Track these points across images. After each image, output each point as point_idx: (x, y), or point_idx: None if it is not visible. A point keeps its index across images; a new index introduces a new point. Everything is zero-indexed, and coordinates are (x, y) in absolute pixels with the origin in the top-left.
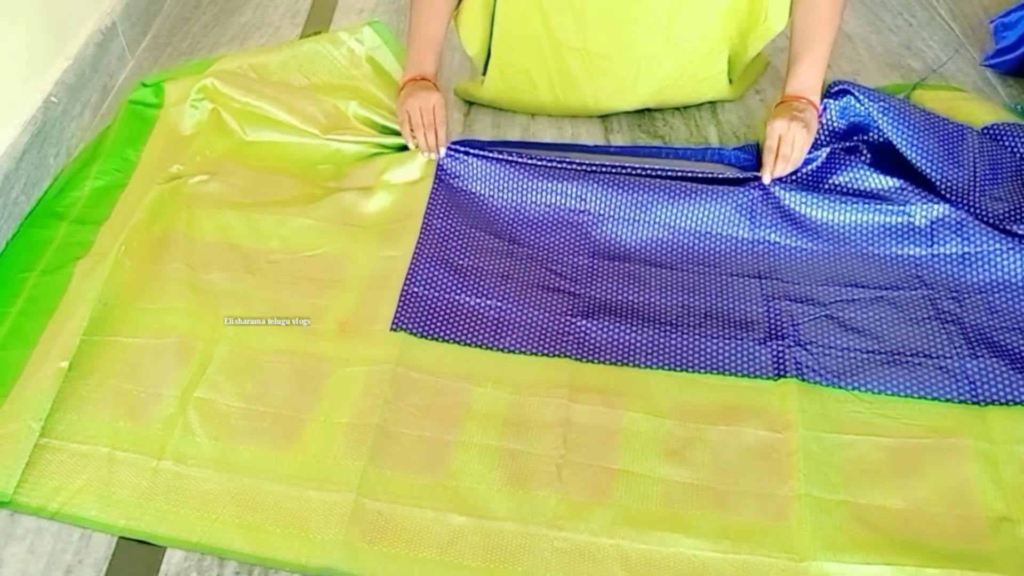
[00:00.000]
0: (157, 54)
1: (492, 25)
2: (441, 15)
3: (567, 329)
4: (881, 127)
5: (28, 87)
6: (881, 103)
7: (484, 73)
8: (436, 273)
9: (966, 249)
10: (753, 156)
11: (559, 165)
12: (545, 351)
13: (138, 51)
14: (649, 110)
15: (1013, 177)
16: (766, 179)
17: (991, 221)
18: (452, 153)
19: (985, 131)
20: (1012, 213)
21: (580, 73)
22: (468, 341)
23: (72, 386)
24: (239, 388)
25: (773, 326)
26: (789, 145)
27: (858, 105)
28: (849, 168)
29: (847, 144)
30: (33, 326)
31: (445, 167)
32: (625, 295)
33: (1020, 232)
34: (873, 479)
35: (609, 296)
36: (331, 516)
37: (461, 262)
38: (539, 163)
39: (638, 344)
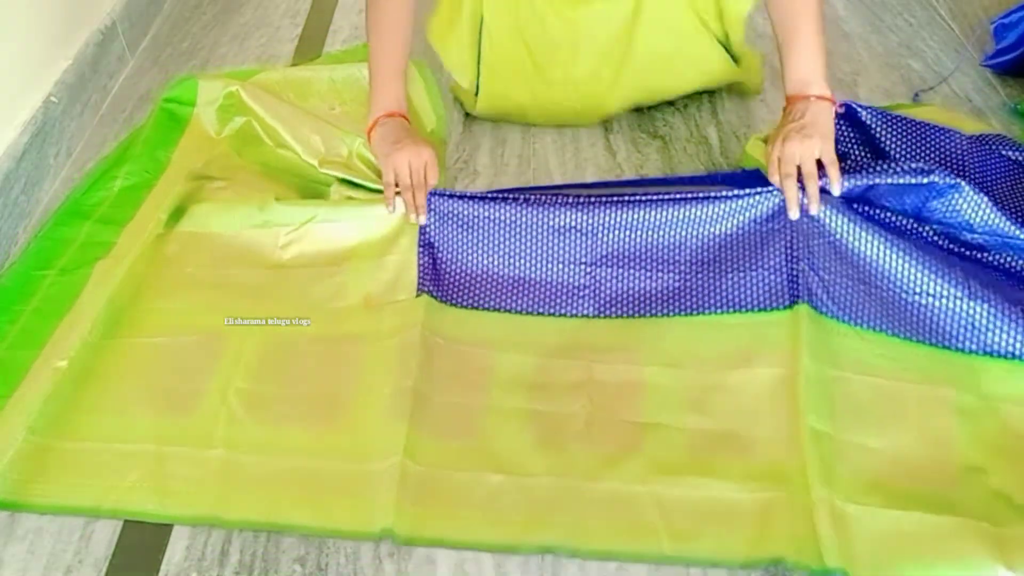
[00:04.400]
0: (157, 54)
1: (479, 54)
2: (403, 38)
3: (583, 282)
4: (874, 133)
5: (28, 87)
6: (868, 112)
7: (476, 93)
8: (446, 231)
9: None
10: (761, 175)
11: (558, 199)
12: (562, 311)
13: (138, 51)
14: (649, 108)
15: (1002, 181)
16: (793, 214)
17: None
18: (435, 204)
19: (972, 137)
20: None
21: (564, 98)
22: (486, 306)
23: (106, 389)
24: (277, 375)
25: (789, 249)
26: (791, 164)
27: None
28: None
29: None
30: (44, 326)
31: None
32: (640, 235)
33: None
34: (858, 417)
35: (624, 236)
36: (383, 482)
37: (471, 214)
38: (535, 200)
39: (654, 292)
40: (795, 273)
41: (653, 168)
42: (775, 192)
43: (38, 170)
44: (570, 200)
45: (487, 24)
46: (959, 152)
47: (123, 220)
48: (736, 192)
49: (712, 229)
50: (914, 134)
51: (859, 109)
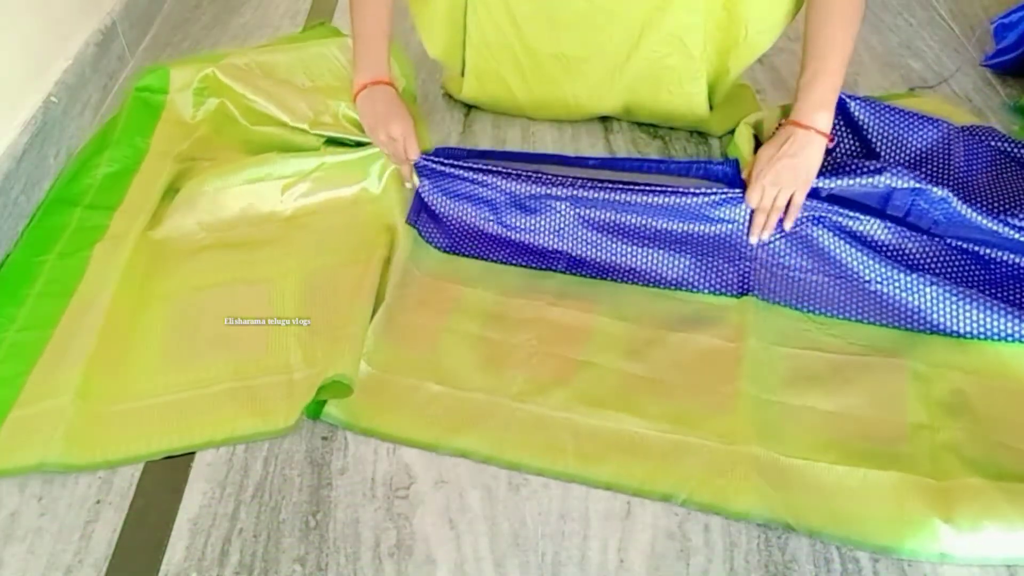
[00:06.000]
0: (157, 54)
1: (464, 33)
2: (385, 3)
3: (556, 247)
4: (860, 124)
5: (28, 87)
6: (856, 103)
7: (462, 74)
8: (436, 189)
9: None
10: (738, 172)
11: (538, 183)
12: (533, 264)
13: (138, 51)
14: None
15: (986, 170)
16: (752, 240)
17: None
18: (428, 169)
19: (961, 128)
20: (988, 205)
21: (558, 74)
22: (464, 252)
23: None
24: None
25: (741, 246)
26: (770, 199)
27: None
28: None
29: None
30: (53, 307)
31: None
32: (613, 215)
33: (1008, 228)
34: (810, 385)
35: (598, 214)
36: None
37: (459, 179)
38: (518, 178)
39: (619, 264)
40: (746, 270)
41: None
42: (741, 200)
43: (38, 170)
44: (552, 178)
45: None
46: (945, 140)
47: (112, 205)
48: (706, 191)
49: (680, 223)
50: (900, 124)
51: (847, 100)
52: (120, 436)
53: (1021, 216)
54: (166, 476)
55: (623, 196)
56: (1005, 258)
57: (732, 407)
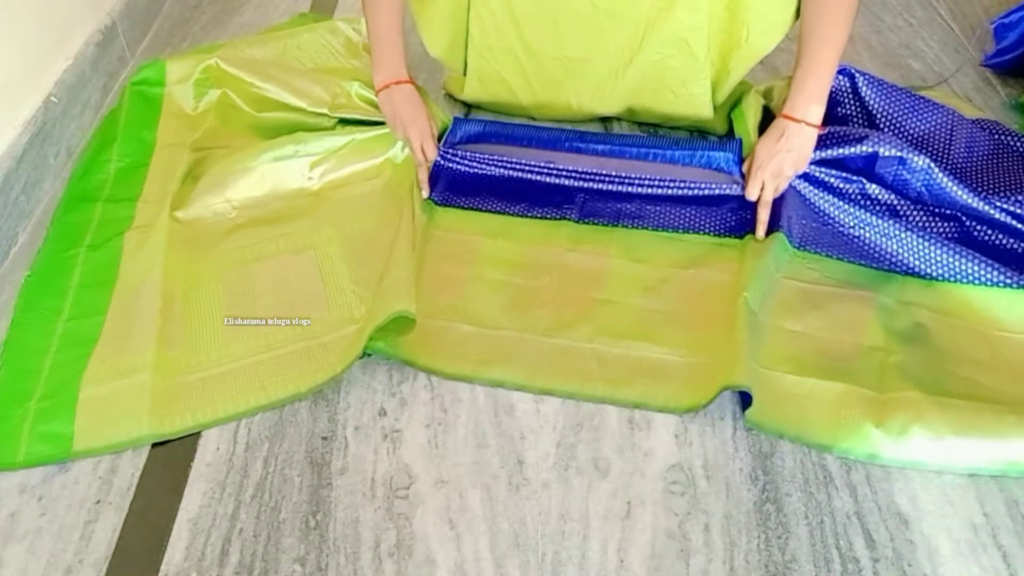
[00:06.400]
0: (157, 54)
1: (467, 35)
2: (395, 4)
3: (570, 200)
4: (866, 100)
5: (28, 87)
6: (864, 78)
7: (464, 74)
8: (459, 152)
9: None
10: (739, 159)
11: (549, 175)
12: (549, 216)
13: (138, 51)
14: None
15: (985, 158)
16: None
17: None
18: (445, 161)
19: (969, 119)
20: (981, 189)
21: (560, 76)
22: (482, 208)
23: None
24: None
25: (741, 209)
26: (772, 193)
27: (841, 78)
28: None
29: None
30: (98, 296)
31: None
32: (620, 174)
33: (989, 206)
34: (782, 309)
35: (607, 173)
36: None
37: (479, 153)
38: (528, 172)
39: (629, 211)
40: (749, 218)
41: None
42: (741, 194)
43: (38, 170)
44: (561, 171)
45: (474, 2)
46: (948, 127)
47: (132, 196)
48: (708, 185)
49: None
50: (905, 105)
51: (856, 74)
52: (206, 400)
53: (1011, 199)
54: (166, 476)
55: (630, 189)
56: (982, 228)
57: (735, 324)
